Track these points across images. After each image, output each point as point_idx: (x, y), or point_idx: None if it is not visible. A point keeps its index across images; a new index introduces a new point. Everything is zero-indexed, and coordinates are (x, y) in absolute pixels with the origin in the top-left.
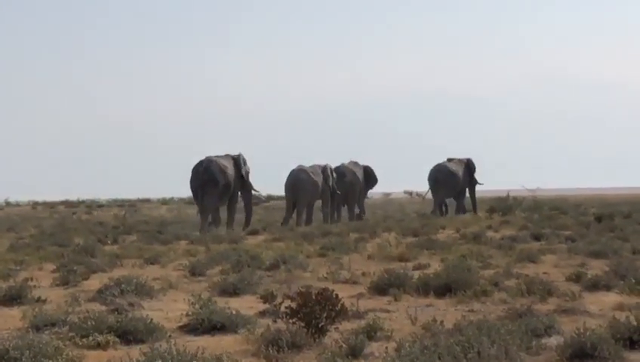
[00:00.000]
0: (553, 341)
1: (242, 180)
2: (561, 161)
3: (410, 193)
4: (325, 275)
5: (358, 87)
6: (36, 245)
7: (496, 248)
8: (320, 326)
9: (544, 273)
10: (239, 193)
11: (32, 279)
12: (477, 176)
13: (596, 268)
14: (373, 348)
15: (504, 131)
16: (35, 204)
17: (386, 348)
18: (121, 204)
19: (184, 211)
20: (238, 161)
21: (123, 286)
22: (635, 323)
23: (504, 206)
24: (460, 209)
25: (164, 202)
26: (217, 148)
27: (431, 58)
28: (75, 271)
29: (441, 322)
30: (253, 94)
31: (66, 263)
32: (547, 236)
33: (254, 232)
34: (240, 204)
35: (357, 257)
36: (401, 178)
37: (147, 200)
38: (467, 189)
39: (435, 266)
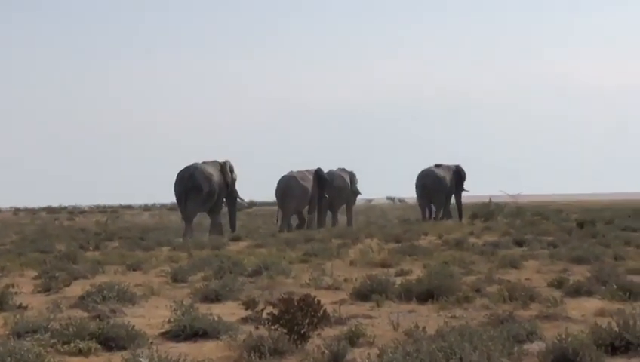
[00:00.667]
0: (535, 347)
1: (228, 188)
2: (542, 167)
3: (393, 199)
4: (307, 281)
5: (334, 92)
6: (18, 251)
7: (479, 254)
8: (302, 332)
9: (526, 279)
10: (224, 200)
11: (13, 285)
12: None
13: (578, 273)
14: (356, 354)
15: (484, 137)
16: (16, 210)
17: (369, 354)
18: (103, 210)
19: (166, 217)
20: (224, 168)
21: (105, 292)
22: (616, 329)
23: (486, 212)
24: (445, 214)
25: (146, 208)
26: (201, 154)
27: (420, 60)
28: (56, 277)
29: (424, 328)
30: (239, 99)
31: (47, 270)
32: (529, 242)
33: (237, 238)
34: (224, 209)
35: (339, 263)
36: (383, 184)
37: (129, 207)
38: (454, 196)
39: (417, 272)
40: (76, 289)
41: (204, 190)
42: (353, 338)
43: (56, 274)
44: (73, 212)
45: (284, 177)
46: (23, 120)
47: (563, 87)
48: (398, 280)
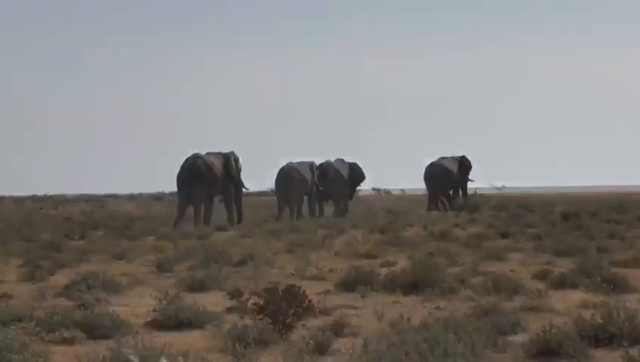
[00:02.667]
0: (519, 338)
1: (233, 178)
2: (527, 160)
3: (379, 190)
4: (293, 272)
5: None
6: (2, 240)
7: (463, 246)
8: (287, 322)
9: (510, 271)
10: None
11: None
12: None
13: (562, 266)
14: (340, 344)
15: (469, 129)
16: (1, 199)
17: (353, 344)
18: (88, 199)
19: (151, 207)
20: (228, 159)
21: (90, 281)
22: (600, 321)
23: (471, 204)
24: (455, 206)
25: (131, 198)
26: (188, 147)
27: (408, 55)
28: (41, 266)
29: (408, 319)
30: (229, 91)
31: (32, 258)
32: (514, 234)
33: (222, 228)
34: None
35: (324, 254)
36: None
37: (114, 196)
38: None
39: (402, 263)
40: (61, 278)
41: (205, 179)
42: (338, 329)
43: (41, 263)
44: (58, 201)
45: (284, 168)
46: (8, 110)
47: (549, 80)
48: (383, 271)
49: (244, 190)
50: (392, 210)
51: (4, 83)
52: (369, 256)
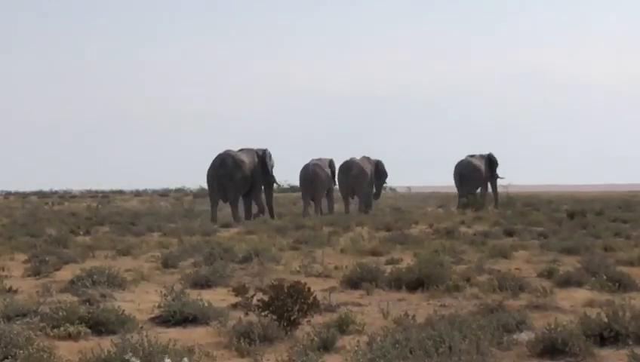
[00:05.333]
0: (524, 336)
1: (265, 174)
2: (533, 158)
3: (384, 188)
4: (298, 268)
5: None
6: (8, 235)
7: (469, 244)
8: (292, 319)
9: (516, 269)
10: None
11: (3, 269)
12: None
13: (568, 264)
14: (345, 341)
15: (477, 128)
16: (7, 194)
17: (358, 341)
18: (94, 195)
19: (157, 203)
20: (261, 156)
21: (95, 277)
22: (605, 319)
23: (473, 200)
24: (486, 202)
25: (137, 194)
26: (195, 144)
27: (402, 54)
28: (47, 261)
29: (413, 316)
30: (237, 88)
31: (37, 253)
32: (519, 232)
33: (227, 225)
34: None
35: (330, 251)
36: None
37: (120, 192)
38: (489, 183)
39: (407, 261)
40: (66, 273)
41: (235, 176)
42: (343, 326)
43: (47, 259)
44: (64, 196)
45: (308, 165)
46: (13, 105)
47: (554, 78)
48: (389, 268)
49: (275, 186)
50: (398, 207)
51: (9, 78)
52: (374, 253)
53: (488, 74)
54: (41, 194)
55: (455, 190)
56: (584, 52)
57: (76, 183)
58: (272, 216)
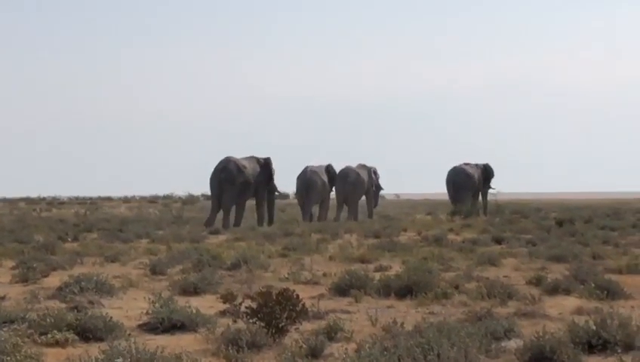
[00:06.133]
0: (513, 344)
1: (267, 182)
2: (522, 166)
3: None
4: (286, 275)
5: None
6: None
7: (458, 251)
8: (280, 326)
9: (504, 276)
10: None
11: None
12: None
13: (556, 272)
14: (334, 348)
15: (466, 136)
16: None
17: (346, 349)
18: (82, 201)
19: (145, 210)
20: (263, 163)
21: (83, 283)
22: (594, 327)
23: (466, 209)
24: (474, 210)
25: (125, 200)
26: (185, 150)
27: (393, 58)
28: (34, 268)
29: (402, 324)
30: (228, 93)
31: (25, 260)
32: (508, 239)
33: (216, 232)
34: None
35: (318, 258)
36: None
37: (108, 199)
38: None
39: (396, 268)
40: (54, 280)
41: (236, 182)
42: (331, 333)
43: (35, 265)
44: (52, 203)
45: (305, 172)
46: (2, 110)
47: (543, 87)
48: (377, 275)
49: (276, 193)
50: (387, 214)
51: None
52: (363, 260)
53: (476, 82)
54: (29, 201)
55: (445, 197)
56: (571, 61)
57: (64, 190)
58: (270, 223)
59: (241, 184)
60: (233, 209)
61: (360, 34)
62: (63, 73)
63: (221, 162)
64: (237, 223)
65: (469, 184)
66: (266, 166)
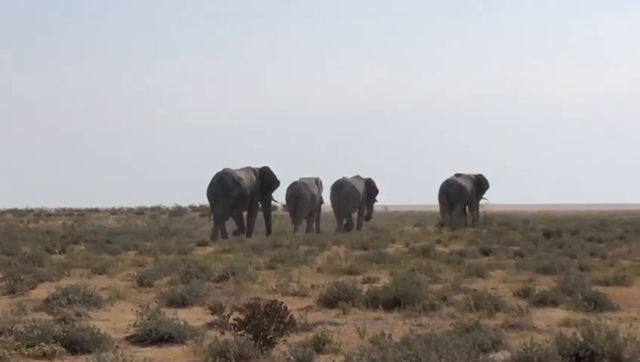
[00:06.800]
0: (500, 356)
1: (263, 193)
2: (509, 177)
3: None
4: (274, 287)
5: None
6: None
7: (445, 263)
8: (268, 338)
9: (492, 288)
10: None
11: None
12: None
13: (544, 283)
14: (321, 360)
15: (453, 147)
16: None
17: (334, 361)
18: (69, 213)
19: (133, 221)
20: (259, 174)
21: (70, 295)
22: (581, 339)
23: (455, 220)
24: (472, 221)
25: (112, 212)
26: (172, 161)
27: (389, 70)
28: (22, 279)
29: (390, 336)
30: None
31: (12, 272)
32: (496, 251)
33: (203, 243)
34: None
35: (306, 270)
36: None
37: (96, 210)
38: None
39: (384, 280)
40: (41, 291)
41: (232, 193)
42: (319, 345)
43: (22, 277)
44: (39, 214)
45: (294, 184)
46: None
47: (529, 98)
48: (365, 287)
49: (273, 203)
50: (375, 226)
51: None
52: (351, 272)
53: (464, 94)
54: (16, 213)
55: (433, 208)
56: (558, 72)
57: (52, 201)
58: (268, 233)
59: (236, 196)
60: (232, 220)
61: (351, 43)
62: (49, 83)
63: (217, 174)
64: (249, 234)
65: (462, 196)
66: (261, 176)
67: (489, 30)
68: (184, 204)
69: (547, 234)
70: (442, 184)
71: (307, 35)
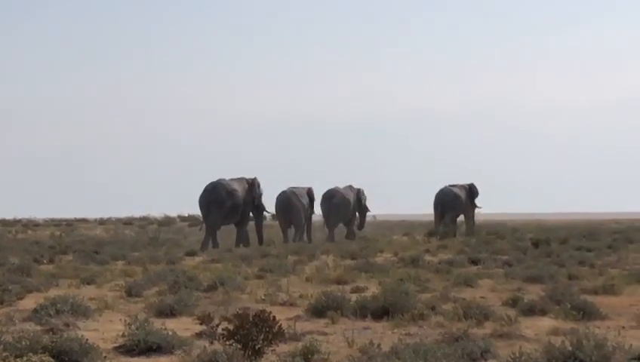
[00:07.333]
0: None
1: (255, 203)
2: (498, 186)
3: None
4: (263, 297)
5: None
6: None
7: (434, 272)
8: (257, 348)
9: (481, 297)
10: (250, 214)
11: None
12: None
13: (532, 292)
14: None
15: (441, 156)
16: None
17: None
18: (57, 223)
19: (121, 231)
20: (251, 184)
21: (59, 306)
22: (569, 348)
23: (442, 230)
24: (469, 229)
25: (100, 222)
26: (161, 171)
27: (382, 77)
28: (10, 290)
29: (378, 345)
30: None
31: (1, 282)
32: (484, 260)
33: (192, 253)
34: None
35: (295, 279)
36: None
37: (84, 220)
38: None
39: (372, 289)
40: (29, 302)
41: (226, 204)
42: (308, 355)
43: (10, 287)
44: (27, 225)
45: (284, 193)
46: None
47: (517, 107)
48: (354, 296)
49: (265, 214)
50: (364, 235)
51: None
52: (340, 281)
53: (451, 103)
54: (4, 223)
55: (421, 218)
56: (545, 81)
57: (40, 211)
58: (260, 243)
59: (230, 207)
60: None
61: (339, 53)
62: (36, 95)
63: (211, 183)
64: (238, 244)
65: (457, 205)
66: (251, 186)
67: (477, 41)
68: (173, 213)
69: (536, 243)
70: (437, 193)
71: (294, 45)
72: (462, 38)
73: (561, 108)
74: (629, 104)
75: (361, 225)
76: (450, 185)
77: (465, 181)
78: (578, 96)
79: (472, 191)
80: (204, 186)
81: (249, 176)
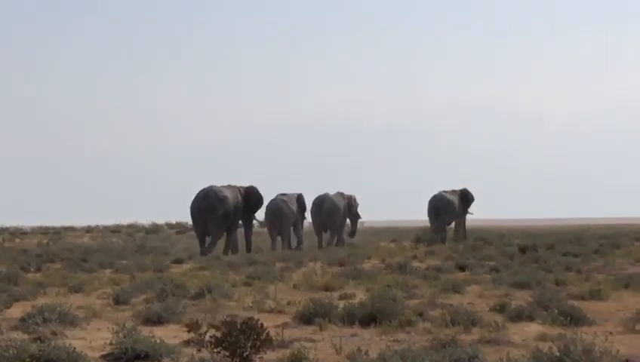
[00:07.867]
0: None
1: (247, 210)
2: (485, 192)
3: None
4: (251, 304)
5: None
6: None
7: (421, 278)
8: (245, 355)
9: (468, 303)
10: (240, 221)
11: None
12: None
13: (520, 298)
14: None
15: (429, 162)
16: None
17: None
18: (45, 231)
19: (109, 239)
20: (245, 193)
21: (46, 314)
22: (557, 353)
23: (429, 236)
24: (461, 235)
25: (88, 230)
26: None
27: (364, 86)
28: None
29: (366, 352)
30: (193, 121)
31: None
32: (472, 266)
33: (179, 261)
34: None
35: (282, 286)
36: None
37: (71, 228)
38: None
39: (360, 296)
40: (17, 310)
41: (217, 211)
42: None
43: None
44: (14, 233)
45: (274, 200)
46: None
47: (505, 113)
48: (341, 303)
49: (254, 222)
50: (352, 242)
51: None
52: (327, 288)
53: (439, 109)
54: None
55: (409, 224)
56: (533, 87)
57: (27, 219)
58: (248, 250)
59: (221, 214)
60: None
61: (329, 59)
62: (26, 100)
63: (203, 190)
64: (226, 251)
65: (450, 210)
66: (247, 195)
67: (465, 44)
68: (160, 221)
69: (523, 249)
70: (430, 199)
71: (286, 52)
72: (446, 41)
73: (548, 114)
74: (618, 111)
75: (352, 233)
76: (443, 191)
77: (445, 186)
78: (566, 103)
79: (465, 196)
80: (192, 193)
81: (239, 183)
